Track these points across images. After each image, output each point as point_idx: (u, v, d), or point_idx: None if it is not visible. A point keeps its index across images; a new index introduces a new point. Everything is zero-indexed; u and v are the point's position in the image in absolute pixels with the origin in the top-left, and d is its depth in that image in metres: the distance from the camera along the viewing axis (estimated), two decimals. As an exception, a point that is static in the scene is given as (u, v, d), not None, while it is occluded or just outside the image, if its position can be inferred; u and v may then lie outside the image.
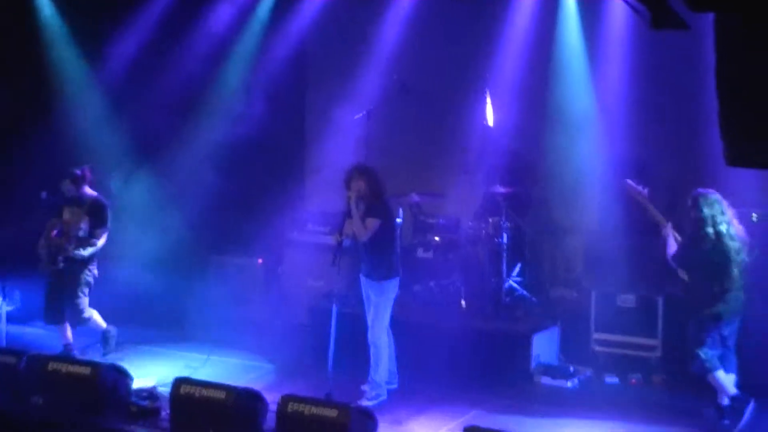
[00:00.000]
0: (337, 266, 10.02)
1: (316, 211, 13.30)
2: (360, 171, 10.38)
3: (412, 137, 13.29)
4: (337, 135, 13.19)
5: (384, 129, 12.65)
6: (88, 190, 11.69)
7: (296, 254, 13.01)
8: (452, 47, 13.01)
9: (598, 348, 11.38)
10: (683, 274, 9.73)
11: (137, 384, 10.25)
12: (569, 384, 10.97)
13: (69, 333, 11.72)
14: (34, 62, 13.75)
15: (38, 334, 12.04)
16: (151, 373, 10.91)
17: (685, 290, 9.83)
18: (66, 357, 11.01)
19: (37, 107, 13.70)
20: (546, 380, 11.05)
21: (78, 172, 11.62)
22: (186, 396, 9.43)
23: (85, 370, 9.99)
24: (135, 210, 13.54)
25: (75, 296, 11.60)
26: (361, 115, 12.38)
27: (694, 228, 9.58)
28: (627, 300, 11.22)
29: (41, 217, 11.75)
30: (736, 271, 9.45)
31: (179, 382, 9.58)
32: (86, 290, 11.67)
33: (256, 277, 13.08)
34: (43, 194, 11.72)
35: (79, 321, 11.71)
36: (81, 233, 11.55)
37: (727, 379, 9.59)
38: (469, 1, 12.57)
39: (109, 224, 11.69)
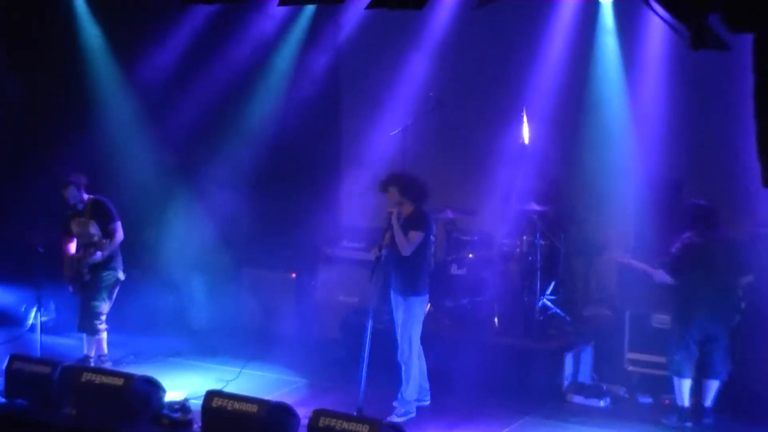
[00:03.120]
0: (374, 281, 10.01)
1: (351, 227, 13.32)
2: (395, 177, 10.39)
3: (447, 154, 13.28)
4: (372, 151, 13.17)
5: (419, 145, 12.61)
6: (85, 195, 11.61)
7: (330, 269, 13.03)
8: (489, 65, 13.00)
9: (631, 368, 11.32)
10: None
11: (169, 396, 10.29)
12: (602, 403, 10.90)
13: (104, 344, 11.75)
14: (73, 72, 13.87)
15: (72, 345, 12.08)
16: (183, 385, 10.93)
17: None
18: (99, 368, 11.04)
19: (73, 115, 13.81)
20: (578, 399, 10.99)
21: (78, 178, 11.55)
22: (218, 409, 9.47)
23: (118, 381, 10.05)
24: (169, 222, 13.61)
25: (94, 298, 11.56)
26: (397, 131, 12.39)
27: None
28: (662, 320, 11.14)
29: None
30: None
31: (211, 395, 9.62)
32: (107, 294, 11.60)
33: (289, 292, 13.11)
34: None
35: (91, 327, 11.56)
36: (95, 239, 11.51)
37: (685, 391, 10.17)
38: (505, 20, 12.55)
39: (117, 218, 11.59)
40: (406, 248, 10.19)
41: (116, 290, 11.73)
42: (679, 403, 10.25)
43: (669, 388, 10.76)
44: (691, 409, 10.21)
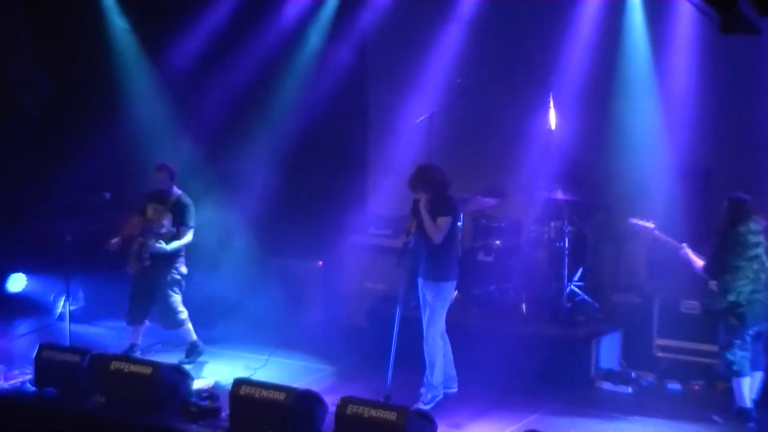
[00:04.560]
0: (401, 268, 9.98)
1: (378, 214, 13.30)
2: (422, 171, 10.33)
3: (473, 141, 13.23)
4: (399, 138, 13.17)
5: (446, 132, 12.60)
6: (176, 189, 11.65)
7: (357, 257, 13.02)
8: (515, 51, 12.95)
9: (660, 354, 11.27)
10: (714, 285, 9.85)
11: (197, 384, 10.31)
12: (630, 389, 10.88)
13: (139, 334, 11.81)
14: (101, 65, 13.93)
15: (101, 333, 12.14)
16: (211, 373, 10.96)
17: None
18: (128, 356, 11.08)
19: (102, 107, 13.87)
20: (607, 385, 10.97)
21: (175, 168, 11.58)
22: (246, 397, 9.47)
23: (147, 370, 10.06)
24: (198, 211, 13.63)
25: (167, 295, 11.55)
26: (423, 118, 12.35)
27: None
28: (691, 306, 11.09)
29: (104, 217, 11.79)
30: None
31: (239, 382, 9.62)
32: (177, 289, 11.62)
33: (316, 280, 13.12)
34: (107, 195, 11.71)
35: (175, 322, 11.62)
36: (163, 230, 11.44)
37: (746, 390, 9.63)
38: (533, 5, 12.51)
39: (192, 224, 11.60)
40: (436, 236, 10.14)
41: (184, 282, 11.72)
42: (741, 404, 9.68)
43: (698, 374, 10.74)
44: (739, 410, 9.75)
